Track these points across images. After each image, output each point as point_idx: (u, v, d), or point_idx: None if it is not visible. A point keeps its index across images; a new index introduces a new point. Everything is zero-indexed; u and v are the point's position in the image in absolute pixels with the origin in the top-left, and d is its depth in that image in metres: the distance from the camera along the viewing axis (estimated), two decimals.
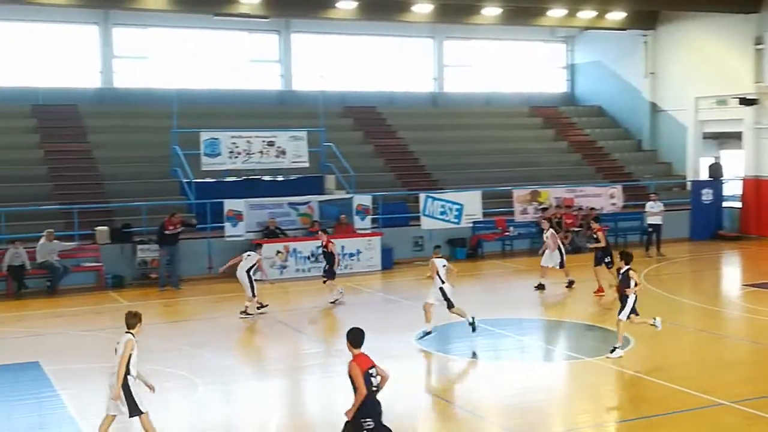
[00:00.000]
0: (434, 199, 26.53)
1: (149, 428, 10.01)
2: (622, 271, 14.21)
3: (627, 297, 14.02)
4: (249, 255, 18.45)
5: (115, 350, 9.94)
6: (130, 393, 9.87)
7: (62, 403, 12.40)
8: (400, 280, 23.37)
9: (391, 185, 28.89)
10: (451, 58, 35.98)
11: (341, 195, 26.29)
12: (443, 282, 15.49)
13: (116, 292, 21.24)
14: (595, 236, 20.27)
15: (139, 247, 22.53)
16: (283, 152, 26.27)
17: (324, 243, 19.89)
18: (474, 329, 15.55)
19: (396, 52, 35.15)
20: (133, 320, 10.10)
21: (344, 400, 12.59)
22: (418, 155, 31.27)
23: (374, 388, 8.75)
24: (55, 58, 29.78)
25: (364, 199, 25.50)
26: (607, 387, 13.13)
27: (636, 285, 14.03)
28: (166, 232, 21.81)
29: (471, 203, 26.83)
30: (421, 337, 15.49)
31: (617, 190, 29.40)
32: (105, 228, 22.89)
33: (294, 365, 14.84)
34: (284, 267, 23.44)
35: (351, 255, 24.16)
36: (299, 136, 26.64)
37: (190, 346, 15.69)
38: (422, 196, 26.40)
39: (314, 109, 28.61)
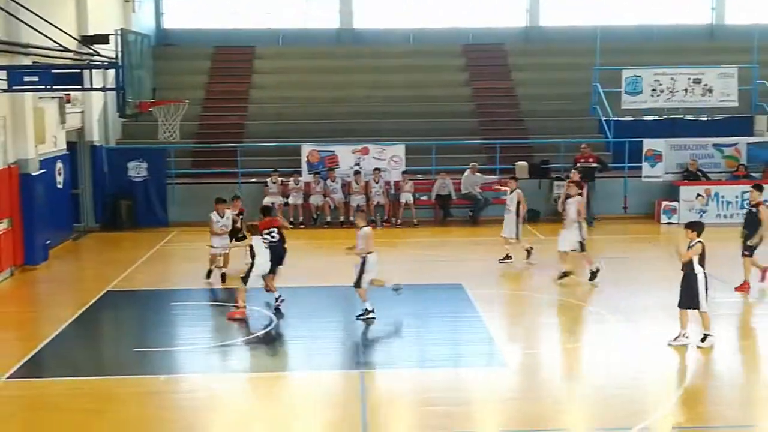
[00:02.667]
0: None
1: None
2: None
3: None
4: None
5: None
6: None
7: (482, 323, 13.31)
8: None
9: None
10: None
11: None
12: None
13: (532, 226, 21.96)
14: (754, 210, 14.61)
15: (556, 183, 22.98)
16: (710, 90, 24.86)
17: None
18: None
19: None
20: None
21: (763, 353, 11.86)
22: None
23: (270, 243, 13.95)
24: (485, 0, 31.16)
25: None
26: None
27: None
28: (578, 165, 22.05)
29: None
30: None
31: None
32: (524, 163, 23.73)
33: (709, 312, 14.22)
34: (704, 211, 22.35)
35: None
36: (729, 73, 24.98)
37: (603, 283, 15.77)
38: None
39: (748, 44, 26.48)
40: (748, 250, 14.90)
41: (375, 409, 9.98)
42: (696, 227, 12.08)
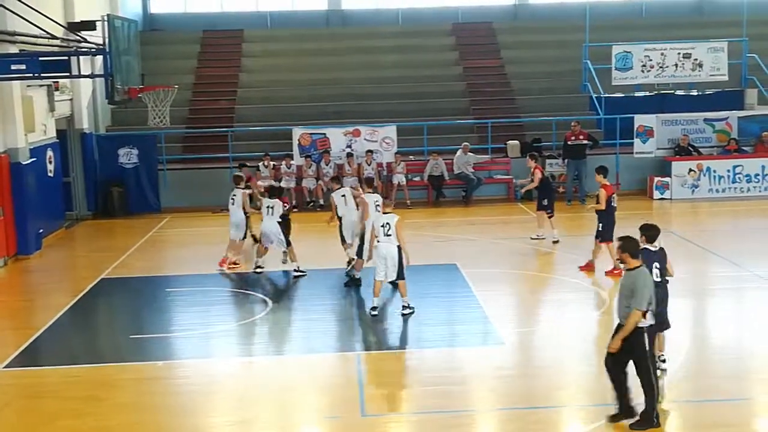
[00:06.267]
0: None
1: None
2: None
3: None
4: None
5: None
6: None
7: (477, 302, 13.35)
8: None
9: None
10: None
11: (763, 110, 24.23)
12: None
13: (524, 204, 21.97)
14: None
15: (548, 161, 22.97)
16: (700, 65, 24.83)
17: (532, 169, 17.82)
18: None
19: None
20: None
21: (756, 326, 11.94)
22: None
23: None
24: None
25: None
26: None
27: None
28: (568, 143, 22.07)
29: None
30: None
31: None
32: (516, 142, 23.71)
33: (702, 286, 14.30)
34: (696, 186, 22.44)
35: None
36: (719, 48, 24.94)
37: (598, 261, 15.77)
38: None
39: (737, 18, 26.45)
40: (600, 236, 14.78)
41: (373, 390, 10.01)
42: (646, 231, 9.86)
